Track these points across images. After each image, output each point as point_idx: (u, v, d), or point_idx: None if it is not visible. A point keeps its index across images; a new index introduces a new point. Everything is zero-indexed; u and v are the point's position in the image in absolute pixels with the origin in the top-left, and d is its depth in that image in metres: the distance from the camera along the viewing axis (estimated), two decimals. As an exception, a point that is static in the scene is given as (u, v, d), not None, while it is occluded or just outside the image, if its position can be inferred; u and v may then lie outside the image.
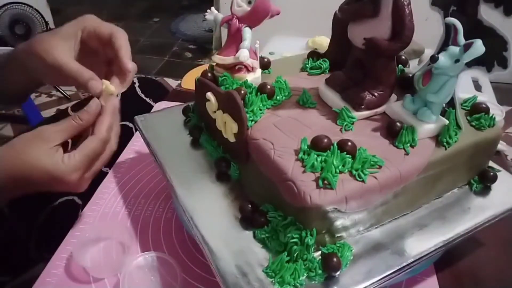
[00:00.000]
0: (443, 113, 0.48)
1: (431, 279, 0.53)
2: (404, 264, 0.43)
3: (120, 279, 0.50)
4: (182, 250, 0.57)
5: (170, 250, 0.57)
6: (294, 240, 0.41)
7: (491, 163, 0.54)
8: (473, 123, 0.50)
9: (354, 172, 0.42)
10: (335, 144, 0.42)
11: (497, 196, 0.52)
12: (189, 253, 0.57)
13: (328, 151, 0.42)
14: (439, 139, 0.47)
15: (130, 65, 0.50)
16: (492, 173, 0.52)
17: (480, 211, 0.49)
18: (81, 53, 0.52)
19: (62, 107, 0.73)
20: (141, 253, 0.54)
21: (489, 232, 0.53)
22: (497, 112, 0.78)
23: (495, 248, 0.58)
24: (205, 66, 0.60)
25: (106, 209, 0.64)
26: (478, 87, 0.98)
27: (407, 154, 0.45)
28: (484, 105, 0.50)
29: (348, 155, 0.42)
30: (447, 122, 0.47)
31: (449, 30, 0.47)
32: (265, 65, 0.60)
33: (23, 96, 0.64)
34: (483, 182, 0.52)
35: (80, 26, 0.51)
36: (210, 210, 0.49)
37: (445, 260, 0.54)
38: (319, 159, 0.42)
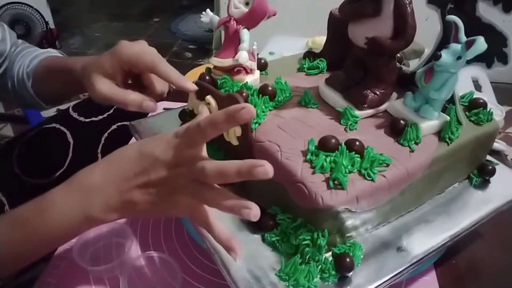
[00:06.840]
0: (444, 110, 0.48)
1: (431, 279, 0.53)
2: (415, 260, 0.43)
3: (120, 279, 0.50)
4: (182, 250, 0.57)
5: (170, 250, 0.57)
6: (306, 242, 0.41)
7: (488, 157, 0.55)
8: (472, 118, 0.50)
9: (363, 171, 0.42)
10: (343, 144, 0.42)
11: (497, 189, 0.53)
12: (189, 253, 0.56)
13: (336, 151, 0.42)
14: (441, 135, 0.47)
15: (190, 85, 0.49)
16: (490, 167, 0.53)
17: (483, 204, 0.50)
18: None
19: (63, 107, 0.73)
20: (141, 253, 0.53)
21: (490, 233, 0.54)
22: (497, 112, 0.79)
23: (495, 248, 0.59)
24: (205, 66, 0.59)
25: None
26: (478, 87, 0.98)
27: (412, 151, 0.45)
28: (481, 100, 0.51)
29: (356, 155, 0.42)
30: (448, 118, 0.47)
31: (447, 28, 0.48)
32: (262, 66, 0.59)
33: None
34: (483, 176, 0.53)
35: (117, 62, 0.49)
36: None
37: (445, 260, 0.55)
38: (328, 159, 0.42)
